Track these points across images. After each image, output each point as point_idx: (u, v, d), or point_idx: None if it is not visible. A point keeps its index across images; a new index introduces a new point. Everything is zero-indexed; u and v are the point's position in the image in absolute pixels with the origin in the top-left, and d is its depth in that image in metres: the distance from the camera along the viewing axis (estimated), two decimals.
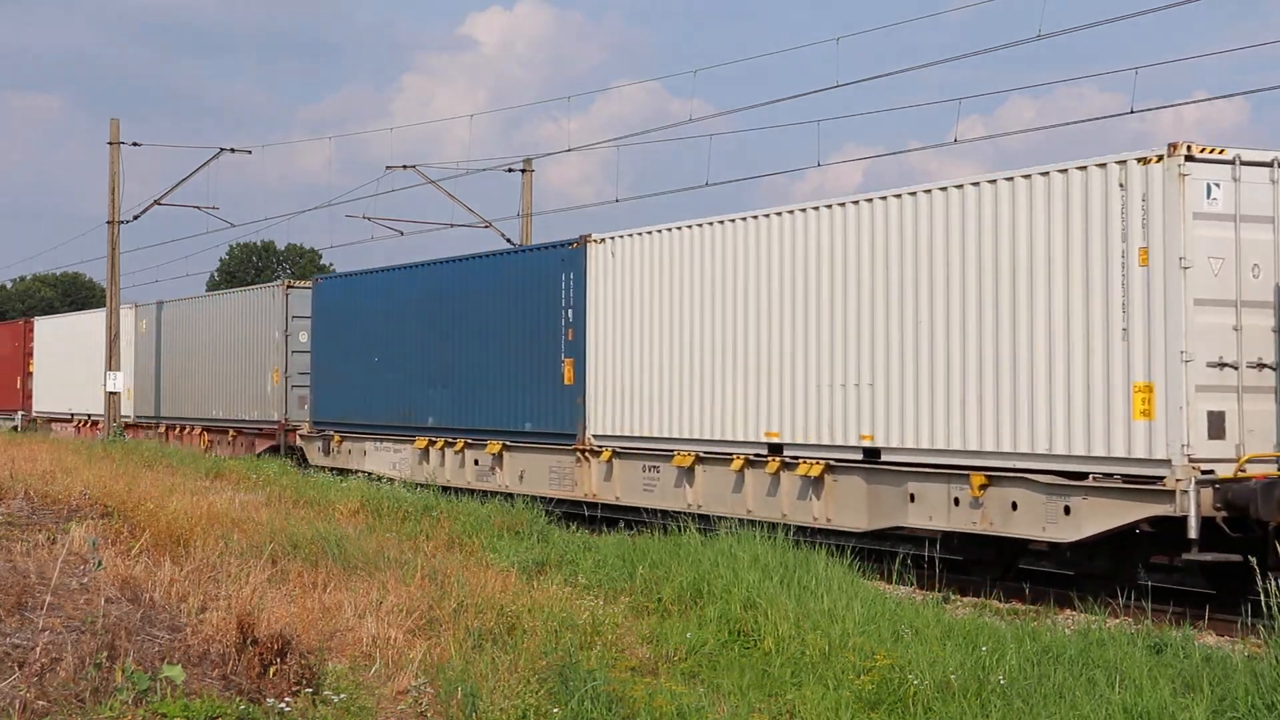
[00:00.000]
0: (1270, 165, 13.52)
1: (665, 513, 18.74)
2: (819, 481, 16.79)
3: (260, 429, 31.63)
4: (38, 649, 7.34)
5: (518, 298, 22.35)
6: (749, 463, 17.85)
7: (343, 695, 7.52)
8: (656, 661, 9.50)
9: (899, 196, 15.87)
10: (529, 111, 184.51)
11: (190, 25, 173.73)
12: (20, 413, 47.32)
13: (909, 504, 15.57)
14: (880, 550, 16.09)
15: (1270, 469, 13.04)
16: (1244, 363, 13.28)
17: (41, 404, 46.31)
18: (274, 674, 7.50)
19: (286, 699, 7.22)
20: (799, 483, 17.06)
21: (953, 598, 14.09)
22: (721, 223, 18.54)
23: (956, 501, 14.92)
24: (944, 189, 15.36)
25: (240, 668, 7.58)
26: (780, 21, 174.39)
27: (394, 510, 16.64)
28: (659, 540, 13.63)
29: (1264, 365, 13.31)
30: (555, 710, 7.52)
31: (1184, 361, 12.97)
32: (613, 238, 20.56)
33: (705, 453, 18.57)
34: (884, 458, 16.00)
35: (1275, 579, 9.06)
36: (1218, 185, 13.29)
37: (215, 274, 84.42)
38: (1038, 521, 14.02)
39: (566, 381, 21.06)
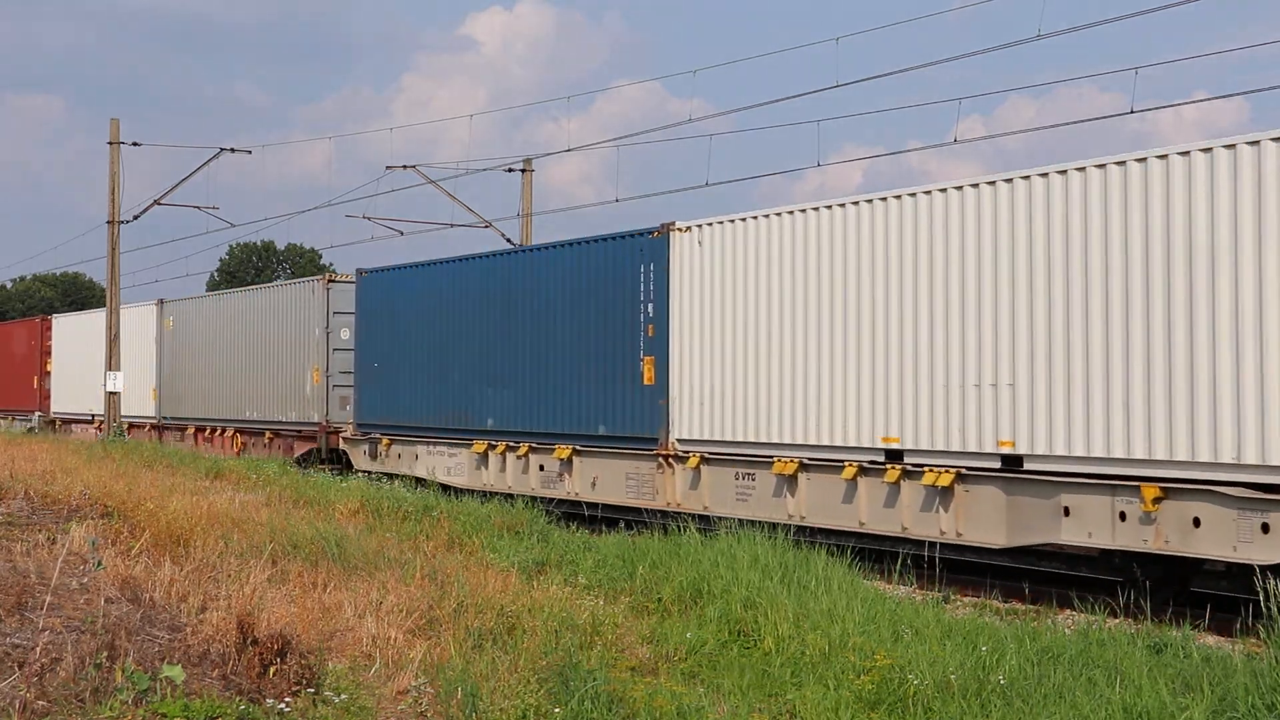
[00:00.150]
0: None
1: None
2: (948, 492, 15.12)
3: (299, 431, 29.87)
4: (38, 649, 7.35)
5: (590, 291, 20.65)
6: (863, 470, 16.17)
7: (343, 695, 7.52)
8: (656, 661, 9.50)
9: (1045, 176, 14.24)
10: (529, 111, 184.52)
11: (190, 25, 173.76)
12: (38, 414, 45.62)
13: (1062, 518, 13.83)
14: (880, 550, 16.04)
15: None
16: None
17: (60, 404, 44.58)
18: (274, 674, 7.50)
19: (286, 699, 7.23)
20: (923, 493, 15.44)
21: (953, 598, 14.09)
22: (829, 208, 16.85)
23: (1123, 516, 13.29)
24: (1101, 166, 13.71)
25: (240, 668, 7.58)
26: (780, 21, 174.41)
27: (394, 510, 16.63)
28: (659, 540, 13.63)
29: None
30: (555, 710, 7.52)
31: None
32: (700, 225, 18.89)
33: (810, 459, 16.90)
34: (1028, 466, 14.37)
35: None
36: None
37: (215, 274, 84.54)
38: (1226, 540, 12.45)
39: (647, 381, 19.49)
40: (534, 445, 21.61)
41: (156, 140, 55.63)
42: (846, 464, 16.34)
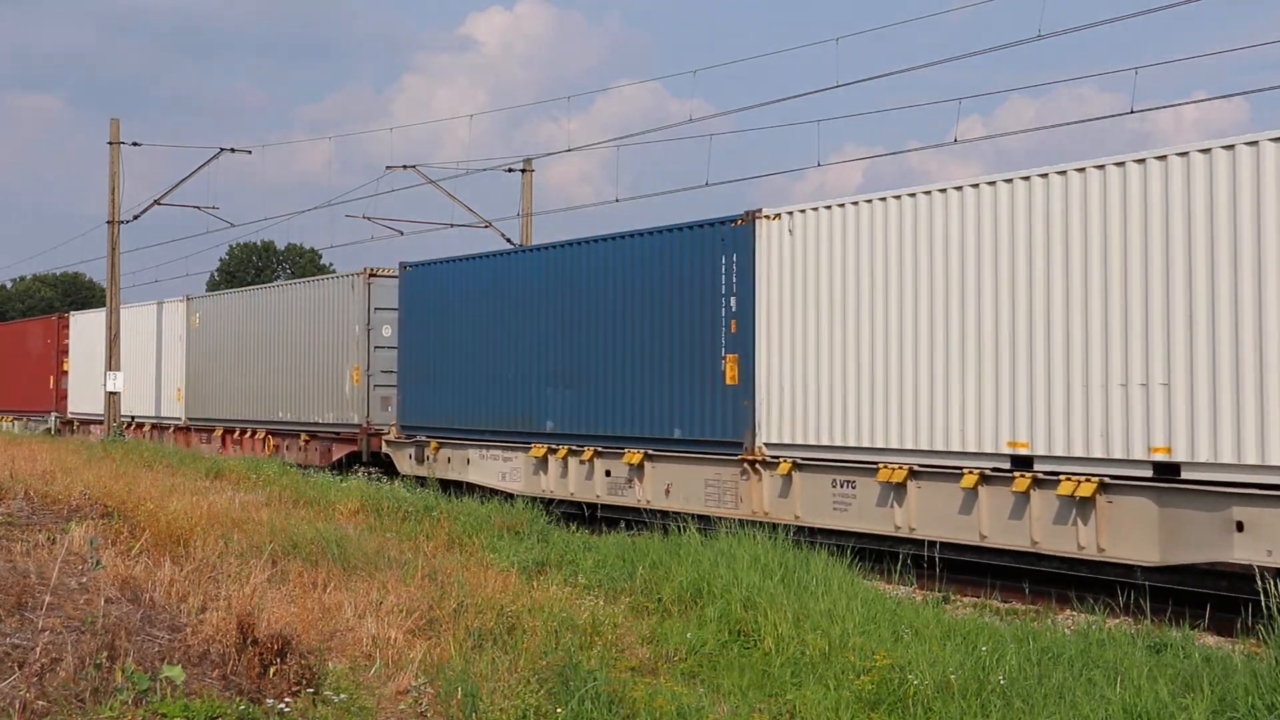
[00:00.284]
0: None
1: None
2: (1088, 503, 13.72)
3: (338, 433, 28.25)
4: (38, 649, 7.35)
5: (663, 284, 19.26)
6: (985, 478, 14.81)
7: (343, 695, 7.52)
8: (656, 661, 9.50)
9: (1206, 152, 12.92)
10: (529, 111, 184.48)
11: (190, 25, 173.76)
12: (54, 414, 44.03)
13: (1234, 534, 12.45)
14: (880, 550, 16.02)
15: None
16: None
17: (78, 405, 42.80)
18: (274, 674, 7.50)
19: (286, 699, 7.23)
20: (1057, 504, 14.06)
21: (953, 598, 14.09)
22: (943, 191, 15.52)
23: None
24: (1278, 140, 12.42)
25: (240, 668, 7.58)
26: (780, 21, 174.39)
27: (394, 510, 16.64)
28: (659, 540, 13.63)
29: None
30: (555, 710, 7.51)
31: None
32: (790, 212, 17.47)
33: (922, 466, 15.55)
34: (1186, 475, 13.02)
35: None
36: None
37: (215, 274, 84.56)
38: None
39: (729, 381, 18.09)
40: (600, 449, 20.32)
41: (156, 140, 55.64)
42: (966, 471, 14.98)
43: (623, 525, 19.26)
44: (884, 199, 16.18)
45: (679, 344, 18.93)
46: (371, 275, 27.65)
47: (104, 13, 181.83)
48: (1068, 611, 13.02)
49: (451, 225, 36.53)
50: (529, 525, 16.03)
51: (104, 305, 40.04)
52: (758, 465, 17.71)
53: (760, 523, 15.93)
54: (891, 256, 16.11)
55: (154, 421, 37.20)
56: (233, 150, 38.67)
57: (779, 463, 17.37)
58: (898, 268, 16.03)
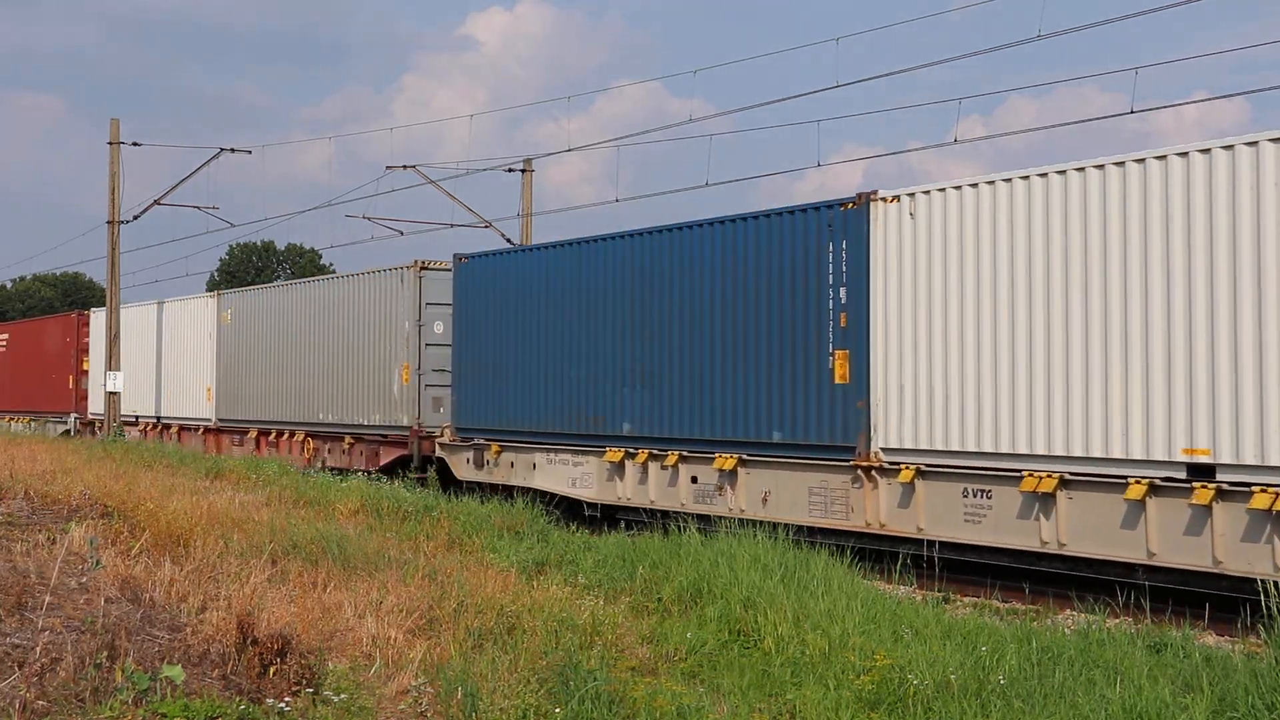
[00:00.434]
0: None
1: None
2: None
3: (385, 436, 26.49)
4: (38, 649, 7.35)
5: (760, 274, 17.70)
6: (1154, 489, 13.29)
7: (343, 695, 7.52)
8: (656, 661, 9.50)
9: None
10: (529, 111, 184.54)
11: (190, 25, 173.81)
12: (74, 415, 42.11)
13: None
14: (880, 550, 16.01)
15: None
16: None
17: (99, 405, 40.29)
18: (274, 674, 7.50)
19: (286, 699, 7.23)
20: (1246, 519, 12.53)
21: (953, 598, 14.09)
22: (1100, 167, 13.96)
23: None
24: None
25: (240, 668, 7.58)
26: (780, 21, 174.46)
27: (394, 510, 16.64)
28: (659, 540, 13.64)
29: None
30: (555, 710, 7.51)
31: None
32: (911, 194, 15.95)
33: (1075, 474, 14.02)
34: None
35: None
36: None
37: (215, 274, 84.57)
38: None
39: (838, 380, 16.54)
40: (685, 454, 18.77)
41: (156, 140, 55.68)
42: (1132, 481, 13.47)
43: (622, 525, 19.24)
44: (1026, 177, 14.67)
45: (778, 339, 17.43)
46: (423, 268, 25.89)
47: (104, 12, 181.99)
48: (1068, 611, 13.02)
49: (451, 225, 36.59)
50: (529, 525, 16.03)
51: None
52: (873, 472, 16.13)
53: (878, 536, 15.83)
54: (1036, 240, 14.55)
55: (181, 423, 35.63)
56: (233, 150, 38.69)
57: (899, 469, 15.73)
58: (1044, 253, 14.46)
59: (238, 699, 7.11)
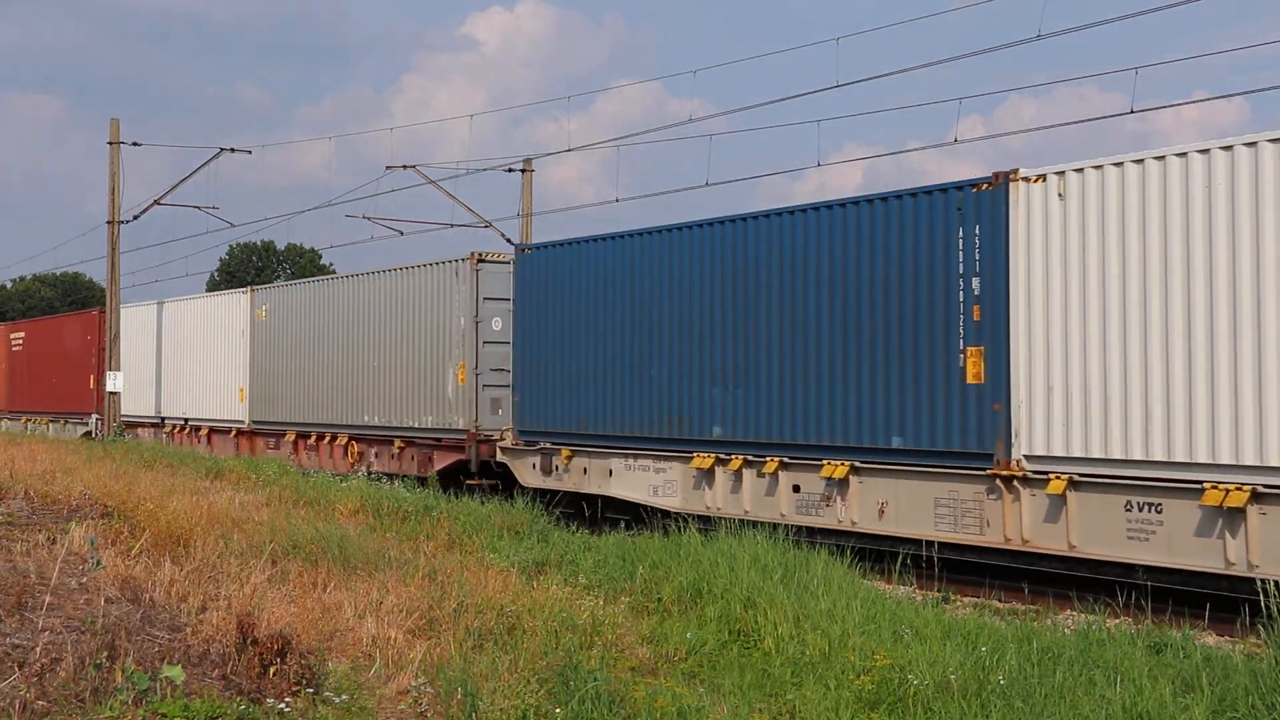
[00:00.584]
0: None
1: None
2: None
3: (439, 439, 24.70)
4: (38, 649, 7.35)
5: (876, 263, 16.18)
6: None
7: (343, 695, 7.52)
8: (656, 661, 9.51)
9: None
10: (529, 111, 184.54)
11: (190, 25, 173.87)
12: (94, 416, 40.26)
13: None
14: (880, 550, 15.99)
15: None
16: None
17: (123, 406, 38.34)
18: (274, 674, 7.50)
19: (286, 699, 7.23)
20: None
21: (953, 598, 14.09)
22: None
23: None
24: None
25: (240, 668, 7.58)
26: (780, 21, 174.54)
27: (394, 510, 16.64)
28: (659, 540, 13.63)
29: None
30: (556, 710, 7.52)
31: None
32: (1061, 172, 14.30)
33: (1270, 487, 12.37)
34: None
35: None
36: None
37: (215, 274, 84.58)
38: None
39: (971, 380, 15.02)
40: (786, 461, 17.15)
41: (156, 140, 55.66)
42: None
43: (623, 525, 19.19)
44: (1205, 150, 13.04)
45: (898, 335, 15.86)
46: (480, 260, 24.18)
47: (104, 13, 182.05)
48: (1068, 611, 13.02)
49: (451, 225, 36.60)
50: (529, 525, 16.03)
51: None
52: (1014, 482, 14.52)
53: (1015, 552, 14.37)
54: (1219, 221, 12.88)
55: (211, 425, 33.82)
56: (233, 150, 38.69)
57: (1047, 479, 14.15)
58: (1228, 234, 12.81)
59: (238, 699, 7.11)
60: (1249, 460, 12.56)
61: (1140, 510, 13.41)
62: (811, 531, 16.31)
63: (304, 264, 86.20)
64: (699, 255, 18.77)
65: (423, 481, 22.63)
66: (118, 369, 37.02)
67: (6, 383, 48.50)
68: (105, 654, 7.28)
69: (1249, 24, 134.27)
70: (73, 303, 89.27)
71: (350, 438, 27.63)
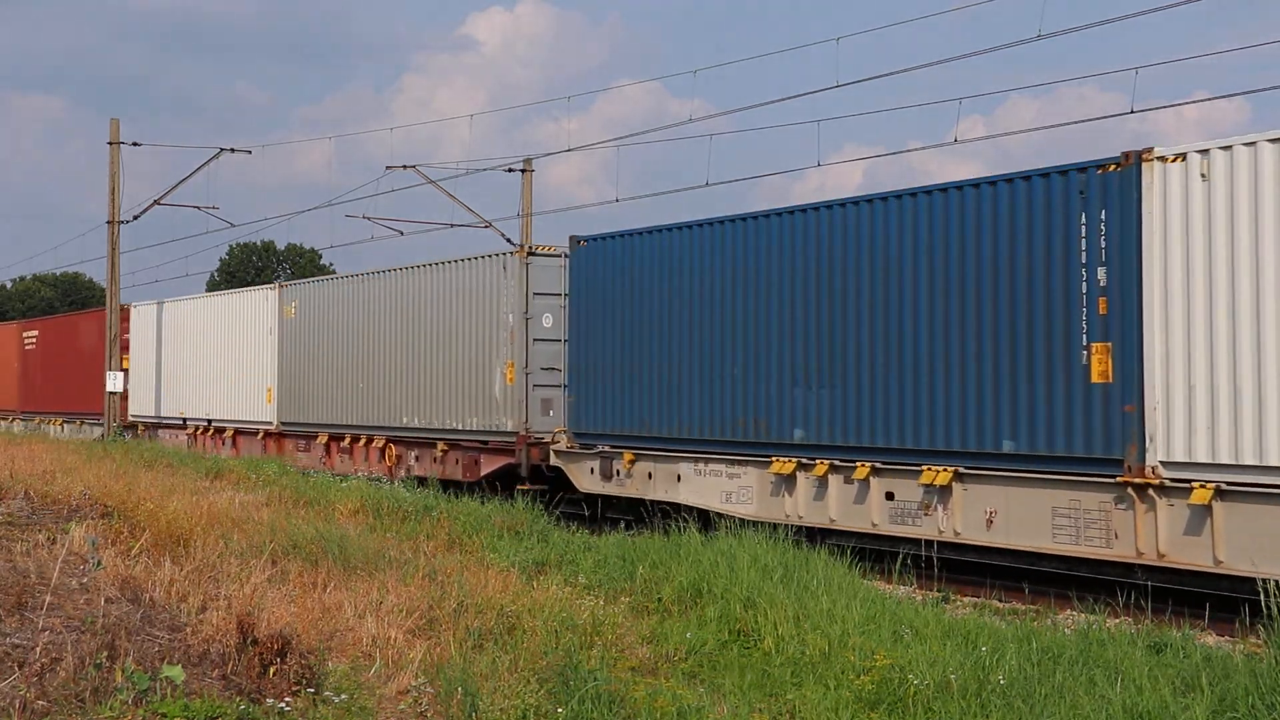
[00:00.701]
0: None
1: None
2: None
3: (485, 442, 23.30)
4: (38, 649, 7.35)
5: (982, 251, 14.90)
6: None
7: (343, 695, 7.53)
8: (656, 661, 9.51)
9: None
10: (529, 111, 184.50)
11: (190, 25, 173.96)
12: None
13: None
14: (880, 550, 15.99)
15: None
16: None
17: (142, 407, 37.70)
18: (274, 674, 7.50)
19: (286, 699, 7.23)
20: None
21: (953, 598, 14.09)
22: None
23: None
24: None
25: (240, 668, 7.59)
26: (780, 21, 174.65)
27: (394, 510, 16.65)
28: (659, 540, 13.64)
29: None
30: (556, 710, 7.52)
31: None
32: (1204, 150, 13.07)
33: None
34: None
35: None
36: None
37: (215, 274, 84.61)
38: None
39: (1096, 379, 13.75)
40: (879, 465, 15.91)
41: (156, 140, 55.80)
42: None
43: (623, 525, 19.16)
44: None
45: (1008, 330, 14.63)
46: (530, 253, 22.84)
47: (105, 12, 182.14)
48: (1068, 611, 13.02)
49: (451, 225, 36.55)
50: (529, 525, 16.03)
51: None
52: (1149, 490, 13.23)
53: (1152, 567, 13.19)
54: None
55: (237, 426, 32.38)
56: (233, 150, 38.67)
57: (1189, 488, 12.84)
58: None
59: (238, 699, 7.11)
60: None
61: None
62: (899, 542, 15.54)
63: (304, 264, 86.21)
64: (778, 246, 17.42)
65: (471, 487, 21.86)
66: (118, 369, 37.03)
67: (19, 383, 47.32)
68: (105, 654, 7.28)
69: (1249, 24, 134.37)
70: (73, 303, 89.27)
71: (388, 440, 26.22)
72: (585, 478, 20.57)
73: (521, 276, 22.76)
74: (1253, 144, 12.70)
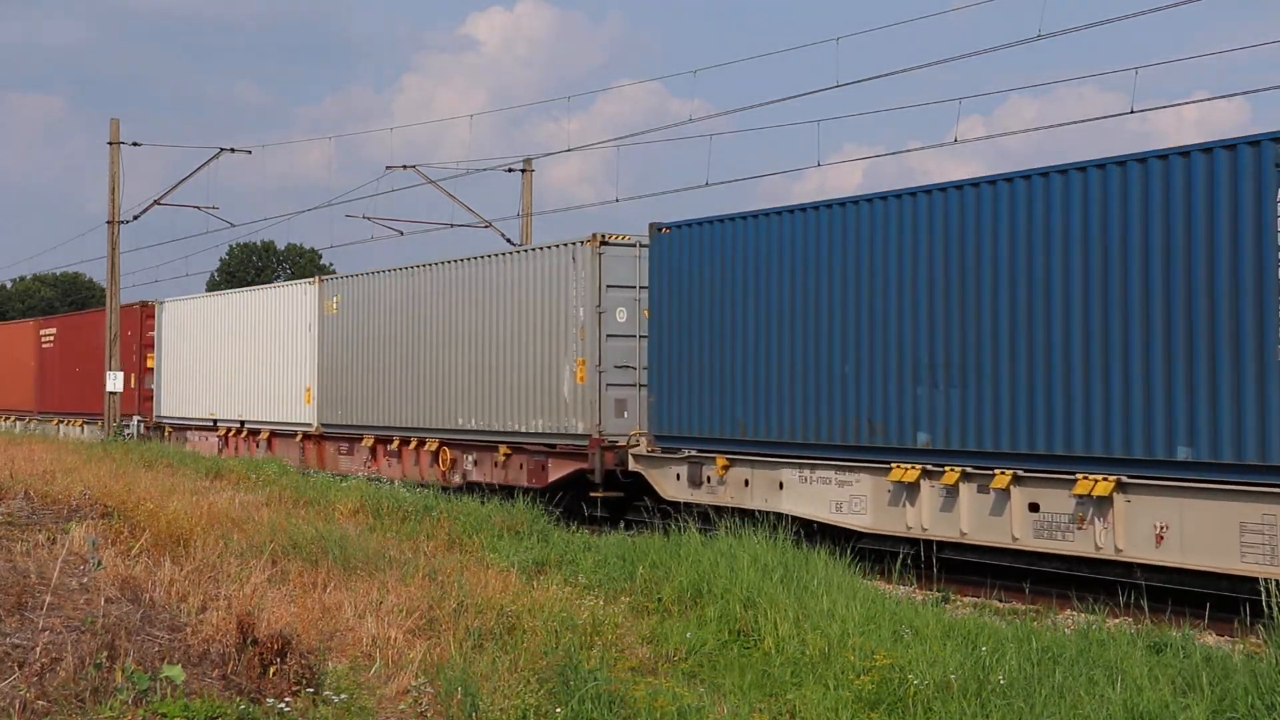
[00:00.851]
0: None
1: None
2: None
3: (552, 446, 21.72)
4: (38, 649, 7.35)
5: (1144, 233, 13.33)
6: None
7: (343, 695, 7.53)
8: (656, 661, 9.52)
9: None
10: (529, 111, 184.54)
11: (190, 25, 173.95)
12: (137, 418, 37.69)
13: None
14: (880, 550, 15.97)
15: None
16: None
17: (170, 408, 36.12)
18: (274, 674, 7.50)
19: (286, 699, 7.23)
20: None
21: (953, 598, 14.09)
22: None
23: None
24: None
25: (240, 668, 7.59)
26: (780, 21, 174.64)
27: (394, 510, 16.65)
28: (659, 540, 13.63)
29: None
30: (556, 710, 7.52)
31: None
32: None
33: None
34: None
35: None
36: None
37: (215, 274, 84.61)
38: None
39: None
40: (1021, 473, 14.35)
41: (156, 140, 55.71)
42: None
43: (623, 525, 19.12)
44: None
45: (1182, 321, 13.07)
46: (603, 243, 21.21)
47: (104, 12, 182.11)
48: (1068, 611, 13.02)
49: (451, 225, 36.59)
50: (529, 525, 16.02)
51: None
52: None
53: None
54: None
55: (272, 428, 30.80)
56: (233, 150, 38.73)
57: None
58: None
59: (238, 699, 7.11)
60: None
61: None
62: (1044, 559, 14.37)
63: (304, 264, 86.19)
64: (896, 230, 15.90)
65: (539, 494, 20.52)
66: (118, 369, 37.04)
67: (36, 382, 45.98)
68: (105, 654, 7.28)
69: (1249, 24, 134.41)
70: (73, 303, 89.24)
71: (442, 443, 24.64)
72: (670, 485, 19.00)
73: (594, 268, 21.18)
74: None
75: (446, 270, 25.18)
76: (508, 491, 21.00)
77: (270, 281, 70.73)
